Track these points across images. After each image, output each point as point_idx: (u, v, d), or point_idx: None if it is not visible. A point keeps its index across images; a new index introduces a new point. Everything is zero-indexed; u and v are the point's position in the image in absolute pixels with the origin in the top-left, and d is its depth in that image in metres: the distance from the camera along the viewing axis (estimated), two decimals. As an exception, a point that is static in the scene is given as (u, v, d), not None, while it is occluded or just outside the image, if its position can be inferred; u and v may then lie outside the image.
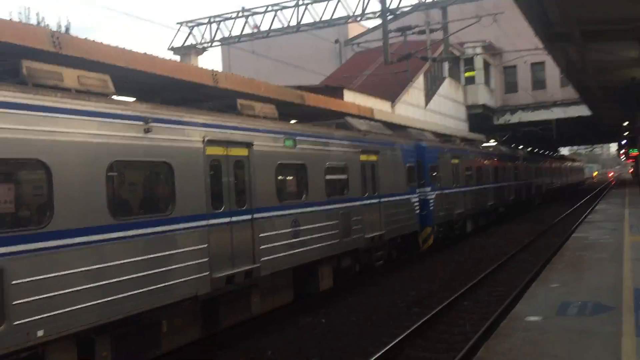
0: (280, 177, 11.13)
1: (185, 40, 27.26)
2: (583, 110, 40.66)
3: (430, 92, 36.53)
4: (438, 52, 37.88)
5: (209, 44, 27.00)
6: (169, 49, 27.88)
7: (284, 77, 32.72)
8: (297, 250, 11.36)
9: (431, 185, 19.64)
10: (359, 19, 24.78)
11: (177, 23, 27.10)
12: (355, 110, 22.27)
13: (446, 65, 39.56)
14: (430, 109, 35.96)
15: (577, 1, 9.72)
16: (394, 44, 35.59)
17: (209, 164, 9.11)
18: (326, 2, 25.17)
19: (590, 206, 35.86)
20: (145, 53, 12.47)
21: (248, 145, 10.14)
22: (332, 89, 25.02)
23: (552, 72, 43.93)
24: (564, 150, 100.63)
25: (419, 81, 33.99)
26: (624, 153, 73.30)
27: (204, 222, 8.78)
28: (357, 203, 14.06)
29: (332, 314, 12.31)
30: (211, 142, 9.14)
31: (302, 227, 11.52)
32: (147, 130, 7.82)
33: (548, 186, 48.00)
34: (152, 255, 7.82)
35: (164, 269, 8.00)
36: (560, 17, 10.58)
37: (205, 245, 8.78)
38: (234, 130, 9.78)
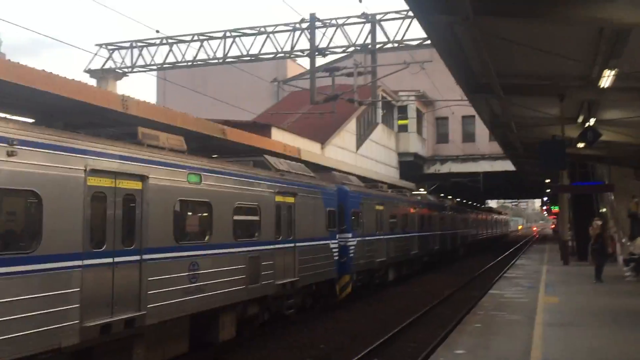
0: (179, 216, 10.17)
1: (105, 63, 25.99)
2: (508, 165, 41.68)
3: (362, 137, 36.50)
4: (372, 98, 38.21)
5: (129, 69, 25.84)
6: (85, 71, 26.48)
7: (221, 114, 31.97)
8: (194, 297, 10.34)
9: (352, 231, 19.04)
10: (287, 55, 24.31)
11: (96, 45, 25.82)
12: (281, 148, 21.64)
13: (379, 112, 39.84)
14: (361, 154, 35.85)
15: (497, 54, 9.52)
16: (326, 86, 35.65)
17: (91, 196, 8.08)
18: (254, 36, 24.67)
19: (512, 259, 36.31)
20: (43, 70, 11.42)
21: (142, 178, 9.17)
22: (260, 127, 24.38)
23: (482, 126, 45.01)
24: (492, 203, 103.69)
25: (351, 125, 33.90)
26: (546, 209, 76.04)
27: (77, 262, 7.69)
28: (269, 247, 13.20)
29: (229, 369, 11.26)
30: (95, 172, 8.13)
31: (201, 271, 10.53)
32: (10, 154, 6.76)
33: (473, 237, 48.63)
34: (3, 300, 6.67)
35: (19, 315, 6.85)
36: (481, 69, 10.34)
37: (77, 290, 7.67)
38: (125, 160, 8.81)
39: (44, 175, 7.26)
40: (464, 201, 57.99)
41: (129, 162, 8.89)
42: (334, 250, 17.30)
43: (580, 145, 16.78)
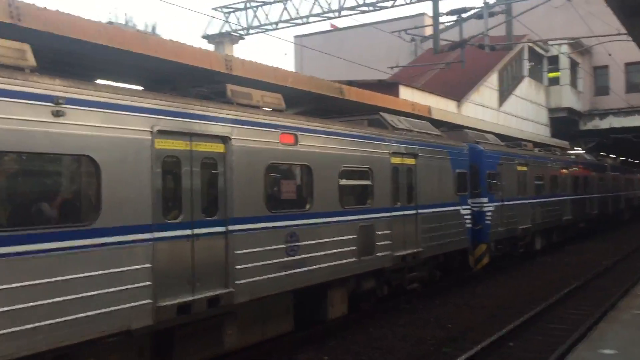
0: (272, 181, 9.09)
1: (222, 27, 25.60)
2: (684, 116, 36.01)
3: (505, 92, 33.29)
4: (516, 49, 34.62)
5: (245, 31, 25.24)
6: (202, 37, 26.40)
7: (358, 77, 30.81)
8: (293, 271, 9.28)
9: (489, 195, 16.94)
10: (407, 1, 22.18)
11: (212, 9, 25.38)
12: (408, 108, 19.93)
13: (526, 64, 36.11)
14: (504, 111, 32.75)
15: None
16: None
17: (161, 161, 7.21)
18: None
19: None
20: (137, 31, 10.88)
21: (224, 139, 8.16)
22: (387, 85, 22.77)
23: (650, 73, 39.46)
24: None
25: (492, 79, 30.93)
26: None
27: (145, 236, 6.88)
28: (384, 215, 11.77)
29: (338, 350, 10.12)
30: (163, 134, 7.23)
31: (301, 243, 9.42)
32: (57, 114, 6.00)
33: (641, 200, 43.16)
34: (59, 279, 6.00)
35: (78, 295, 6.17)
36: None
37: (147, 266, 6.88)
38: (202, 120, 7.84)
39: (100, 138, 6.46)
40: (630, 160, 51.67)
41: (207, 122, 7.90)
42: (466, 216, 15.41)
43: None
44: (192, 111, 7.69)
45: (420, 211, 13.14)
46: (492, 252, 17.41)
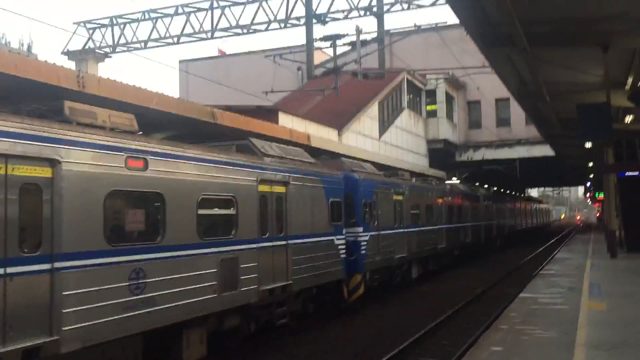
0: (111, 210, 8.07)
1: (86, 44, 23.98)
2: (547, 150, 38.59)
3: (386, 123, 34.01)
4: (395, 81, 35.66)
5: (111, 49, 23.84)
6: (62, 52, 24.55)
7: (245, 104, 29.99)
8: (139, 312, 8.24)
9: (364, 224, 16.72)
10: (282, 25, 22.00)
11: (74, 23, 23.81)
12: (287, 135, 19.45)
13: (405, 96, 37.25)
14: (385, 141, 33.38)
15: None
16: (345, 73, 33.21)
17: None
18: (244, 5, 22.36)
19: (553, 250, 33.39)
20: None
21: (52, 162, 7.09)
22: (266, 112, 22.24)
23: (517, 109, 41.82)
24: (533, 192, 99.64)
25: (373, 110, 31.46)
26: (590, 197, 72.04)
27: None
28: (250, 246, 11.02)
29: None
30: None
31: (149, 280, 8.42)
32: None
33: (511, 228, 45.58)
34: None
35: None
36: (499, 14, 7.94)
37: None
38: (22, 139, 6.74)
39: None
40: (501, 190, 54.81)
41: (28, 142, 6.81)
42: (340, 247, 15.02)
43: (628, 119, 14.13)
44: (7, 129, 6.57)
45: (290, 242, 12.52)
46: (368, 282, 17.16)
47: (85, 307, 7.37)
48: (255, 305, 11.27)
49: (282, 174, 12.43)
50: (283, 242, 12.29)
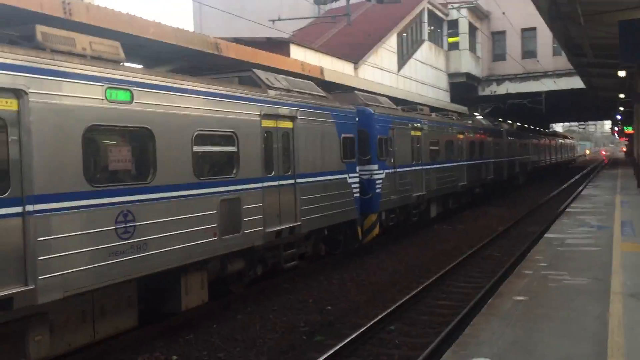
0: (91, 147, 7.29)
1: None
2: (575, 82, 36.85)
3: (404, 56, 32.53)
4: (415, 11, 33.86)
5: None
6: None
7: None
8: (129, 257, 7.59)
9: (379, 162, 15.83)
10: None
11: None
12: (298, 68, 18.36)
13: (425, 27, 35.50)
14: (404, 75, 32.01)
15: None
16: (361, 2, 31.49)
17: None
18: None
19: (578, 187, 32.29)
20: None
21: (17, 93, 6.28)
22: (277, 43, 21.09)
23: (544, 38, 40.00)
24: (557, 127, 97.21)
25: (391, 42, 29.98)
26: (618, 131, 69.85)
27: None
28: (254, 186, 10.26)
29: (193, 345, 8.61)
30: None
31: (139, 223, 7.74)
32: None
33: (535, 164, 44.31)
34: None
35: None
36: None
37: None
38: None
39: None
40: (525, 125, 53.15)
41: (-16, 70, 5.97)
42: (354, 185, 14.22)
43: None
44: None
45: (299, 181, 11.74)
46: (384, 222, 16.45)
47: (65, 253, 6.72)
48: (261, 248, 10.62)
49: (288, 108, 11.51)
50: (291, 181, 11.51)
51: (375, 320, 9.41)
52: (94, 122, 7.16)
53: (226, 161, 9.84)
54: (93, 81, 7.19)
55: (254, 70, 11.78)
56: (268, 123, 10.82)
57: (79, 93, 6.99)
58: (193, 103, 8.84)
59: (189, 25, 56.02)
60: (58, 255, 6.62)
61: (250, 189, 10.15)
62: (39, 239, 6.40)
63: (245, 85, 10.85)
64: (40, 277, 6.39)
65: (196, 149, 8.89)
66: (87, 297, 7.37)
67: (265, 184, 10.62)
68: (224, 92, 9.57)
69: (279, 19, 17.99)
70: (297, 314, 10.22)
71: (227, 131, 9.64)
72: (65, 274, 6.71)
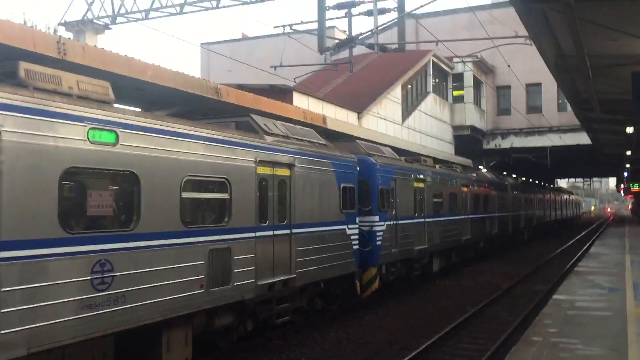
0: (68, 191, 6.83)
1: (84, 15, 22.75)
2: (580, 138, 36.58)
3: (409, 107, 32.42)
4: (421, 63, 33.97)
5: (110, 20, 22.58)
6: (59, 23, 23.40)
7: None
8: (104, 311, 7.03)
9: (380, 213, 15.32)
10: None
11: None
12: (300, 115, 18.13)
13: (430, 80, 35.56)
14: (408, 126, 31.81)
15: None
16: (367, 53, 31.59)
17: None
18: None
19: (584, 245, 31.55)
20: None
21: (-13, 132, 5.87)
22: (280, 91, 20.91)
23: (550, 94, 40.05)
24: (562, 183, 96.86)
25: (396, 92, 29.88)
26: (623, 188, 69.36)
27: None
28: (246, 235, 9.74)
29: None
30: None
31: (117, 273, 7.20)
32: None
33: (540, 219, 43.66)
34: None
35: None
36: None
37: None
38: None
39: None
40: (530, 180, 52.72)
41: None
42: (353, 237, 13.68)
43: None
44: None
45: (295, 231, 11.22)
46: (385, 276, 15.81)
47: (32, 305, 6.17)
48: (252, 301, 10.01)
49: (286, 155, 11.10)
50: (286, 231, 10.99)
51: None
52: (74, 164, 6.73)
53: (217, 209, 9.36)
54: (74, 121, 6.80)
55: (252, 115, 11.44)
56: (264, 170, 10.39)
57: (58, 133, 6.59)
58: (183, 147, 8.43)
59: (197, 74, 56.68)
60: (25, 307, 6.07)
61: (242, 238, 9.63)
62: (2, 290, 5.86)
63: (241, 131, 10.47)
64: (2, 332, 5.83)
65: (185, 195, 8.42)
66: (56, 353, 6.76)
67: (259, 233, 10.10)
68: (217, 137, 9.17)
69: (281, 65, 17.72)
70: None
71: (219, 177, 9.20)
72: (32, 328, 6.14)
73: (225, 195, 9.35)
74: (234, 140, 9.56)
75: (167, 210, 8.04)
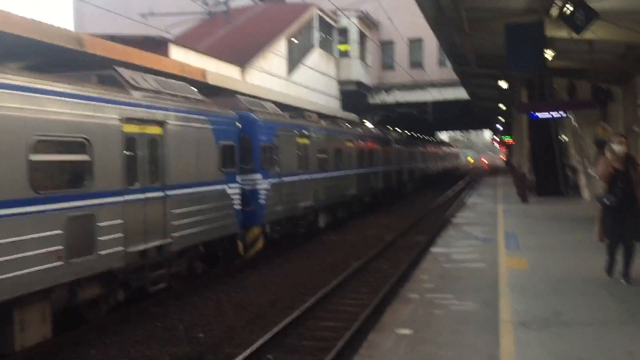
0: None
1: None
2: (459, 93, 38.00)
3: (295, 61, 31.90)
4: (305, 17, 33.40)
5: None
6: None
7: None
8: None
9: (263, 171, 14.88)
10: None
11: None
12: (177, 69, 16.98)
13: (316, 34, 35.14)
14: (294, 81, 31.35)
15: None
16: (250, 5, 30.59)
17: None
18: None
19: (462, 193, 33.09)
20: None
21: None
22: (155, 43, 19.61)
23: (431, 49, 41.04)
24: (443, 135, 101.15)
25: (280, 46, 29.22)
26: (498, 140, 73.73)
27: None
28: (112, 200, 8.94)
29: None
30: None
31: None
32: None
33: (422, 172, 45.32)
34: None
35: None
36: None
37: None
38: None
39: None
40: (413, 134, 54.48)
41: None
42: (234, 196, 13.17)
43: (549, 54, 12.87)
44: None
45: (169, 193, 10.52)
46: (269, 235, 15.51)
47: None
48: (122, 270, 9.29)
49: (157, 111, 10.27)
50: (159, 194, 10.27)
51: (250, 350, 8.40)
52: None
53: (76, 172, 8.45)
54: None
55: (117, 68, 10.43)
56: (131, 128, 9.53)
57: None
58: (30, 103, 7.42)
59: (69, 24, 52.42)
60: None
61: (107, 203, 8.82)
62: None
63: (108, 86, 9.50)
64: None
65: (34, 157, 7.46)
66: None
67: (127, 197, 9.31)
68: (72, 92, 8.19)
69: (152, 14, 16.49)
70: (163, 344, 8.99)
71: (76, 137, 8.27)
72: None
73: (85, 157, 8.45)
74: (92, 95, 8.61)
75: (9, 175, 7.06)
